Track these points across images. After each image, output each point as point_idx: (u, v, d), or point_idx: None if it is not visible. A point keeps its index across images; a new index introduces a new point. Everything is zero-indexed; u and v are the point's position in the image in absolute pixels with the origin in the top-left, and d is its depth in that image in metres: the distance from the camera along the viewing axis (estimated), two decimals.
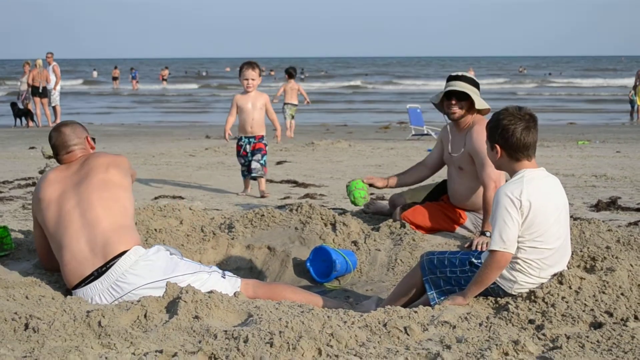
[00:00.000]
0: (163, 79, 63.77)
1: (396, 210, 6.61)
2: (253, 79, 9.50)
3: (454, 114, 6.34)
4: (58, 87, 25.02)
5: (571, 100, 41.07)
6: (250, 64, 9.57)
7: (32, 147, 16.62)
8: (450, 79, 6.35)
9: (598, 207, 8.47)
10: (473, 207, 6.47)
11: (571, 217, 6.67)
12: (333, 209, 7.66)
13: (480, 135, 6.12)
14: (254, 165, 9.45)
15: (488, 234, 5.78)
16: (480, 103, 6.27)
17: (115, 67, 64.37)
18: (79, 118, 28.79)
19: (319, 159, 14.30)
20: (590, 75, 72.27)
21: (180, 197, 9.43)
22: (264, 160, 9.54)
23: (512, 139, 4.33)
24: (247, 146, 9.54)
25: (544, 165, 4.55)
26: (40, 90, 24.10)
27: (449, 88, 6.30)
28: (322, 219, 6.55)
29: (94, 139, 5.30)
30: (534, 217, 4.25)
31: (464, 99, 6.25)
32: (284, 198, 9.51)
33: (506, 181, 4.52)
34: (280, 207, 7.72)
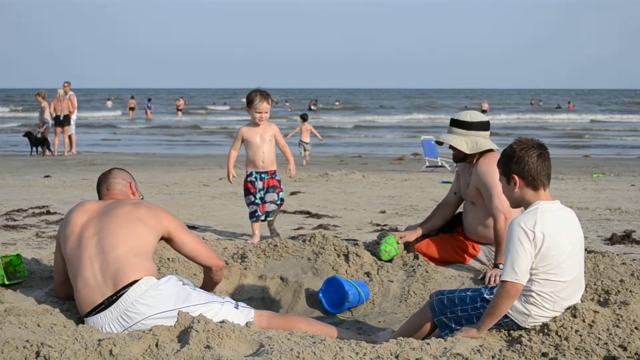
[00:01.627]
0: (178, 110, 63.94)
1: (410, 242, 6.60)
2: (266, 112, 8.43)
3: (453, 157, 6.53)
4: (74, 117, 25.17)
5: (584, 134, 40.96)
6: (264, 95, 8.39)
7: (47, 176, 16.71)
8: (450, 122, 6.48)
9: (612, 240, 8.44)
10: (486, 240, 6.45)
11: (585, 250, 6.62)
12: (346, 239, 7.65)
13: (485, 168, 6.20)
14: (270, 207, 8.43)
15: (501, 266, 5.76)
16: (469, 147, 6.32)
17: (132, 97, 64.51)
18: (95, 148, 28.97)
19: (332, 190, 14.31)
20: (605, 110, 72.18)
21: (194, 227, 9.43)
22: (281, 198, 8.55)
23: (529, 165, 4.34)
24: (259, 182, 8.47)
25: (557, 198, 4.53)
26: (62, 119, 24.29)
27: (437, 139, 6.57)
28: (335, 250, 6.53)
29: (142, 198, 5.39)
30: (547, 249, 4.23)
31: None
32: (297, 229, 9.50)
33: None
34: (293, 238, 7.72)
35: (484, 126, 6.38)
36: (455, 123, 6.40)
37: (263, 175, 8.47)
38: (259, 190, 8.46)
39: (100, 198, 5.25)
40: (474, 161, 6.38)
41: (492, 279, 5.79)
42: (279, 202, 8.48)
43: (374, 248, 6.61)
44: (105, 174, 5.31)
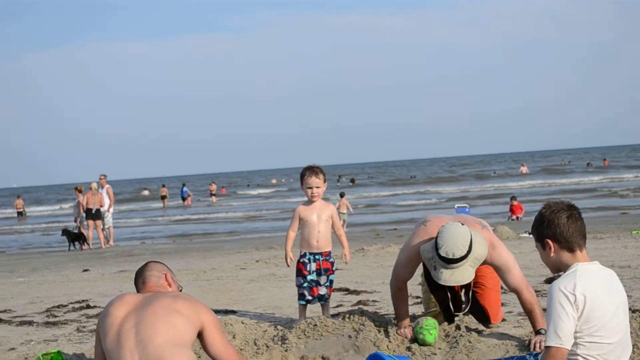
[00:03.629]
0: (212, 194, 64.17)
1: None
2: (318, 187, 8.09)
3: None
4: (111, 209, 25.53)
5: (618, 195, 40.52)
6: (314, 170, 8.16)
7: (86, 270, 16.82)
8: (446, 261, 6.02)
9: None
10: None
11: (630, 309, 6.52)
12: (386, 314, 7.58)
13: (490, 250, 6.14)
14: (323, 291, 8.03)
15: (543, 331, 5.70)
16: (475, 267, 6.11)
17: (163, 186, 64.52)
18: (131, 239, 29.15)
19: (369, 265, 14.24)
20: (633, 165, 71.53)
21: (233, 312, 9.40)
22: (330, 281, 8.10)
23: (560, 228, 4.32)
24: (312, 264, 8.05)
25: (598, 258, 4.50)
26: (94, 212, 24.61)
27: (449, 284, 6.14)
28: (376, 326, 6.48)
29: (181, 289, 5.50)
30: (590, 311, 4.18)
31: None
32: (337, 306, 9.44)
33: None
34: (332, 316, 7.67)
35: (470, 240, 6.03)
36: (452, 261, 5.98)
37: (317, 257, 8.08)
38: (311, 273, 8.04)
39: (138, 291, 5.32)
40: None
41: (537, 345, 5.72)
42: (327, 285, 8.06)
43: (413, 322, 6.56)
44: (141, 268, 5.42)
